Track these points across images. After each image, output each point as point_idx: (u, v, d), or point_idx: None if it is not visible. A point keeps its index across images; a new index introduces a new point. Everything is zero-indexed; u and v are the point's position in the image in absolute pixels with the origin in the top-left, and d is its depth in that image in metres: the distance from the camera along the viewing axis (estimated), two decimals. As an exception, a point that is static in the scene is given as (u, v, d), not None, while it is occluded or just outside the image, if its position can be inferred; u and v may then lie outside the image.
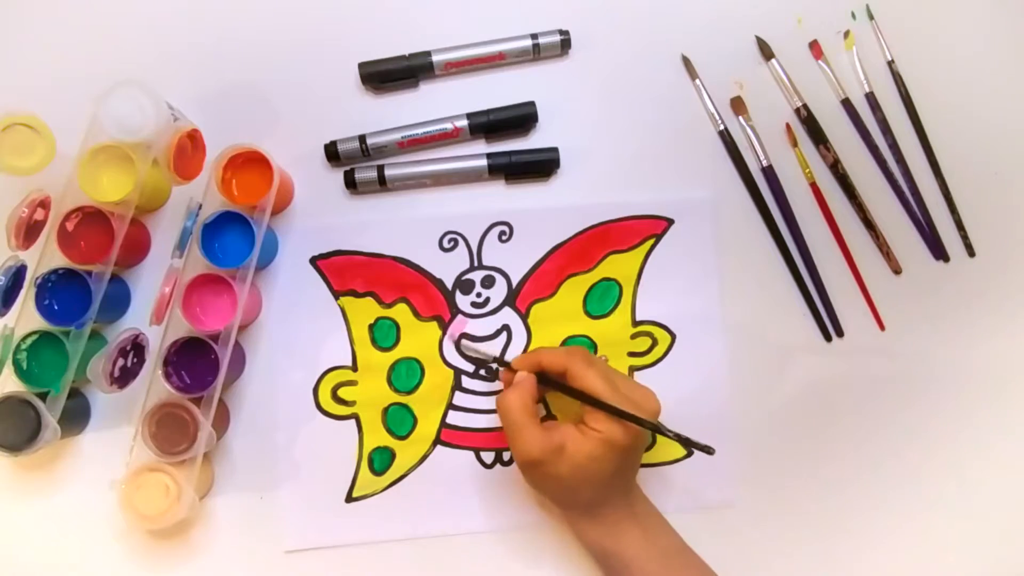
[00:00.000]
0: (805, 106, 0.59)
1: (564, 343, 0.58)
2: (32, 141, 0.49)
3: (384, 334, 0.57)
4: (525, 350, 0.58)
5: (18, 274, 0.51)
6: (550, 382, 0.51)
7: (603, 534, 0.51)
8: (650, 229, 0.58)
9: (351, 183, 0.57)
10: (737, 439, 0.58)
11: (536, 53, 0.58)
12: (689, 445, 0.48)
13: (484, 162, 0.57)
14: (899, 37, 0.59)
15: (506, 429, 0.49)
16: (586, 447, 0.48)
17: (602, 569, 0.53)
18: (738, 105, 0.59)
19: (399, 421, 0.57)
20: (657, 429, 0.48)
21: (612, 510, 0.51)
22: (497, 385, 0.57)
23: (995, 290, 0.59)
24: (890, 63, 0.60)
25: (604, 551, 0.51)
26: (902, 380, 0.59)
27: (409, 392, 0.57)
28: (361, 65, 0.57)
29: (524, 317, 0.58)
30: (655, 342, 0.58)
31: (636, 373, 0.58)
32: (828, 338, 0.59)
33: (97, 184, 0.51)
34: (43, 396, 0.50)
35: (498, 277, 0.58)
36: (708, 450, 0.47)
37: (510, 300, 0.58)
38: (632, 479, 0.53)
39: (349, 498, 0.57)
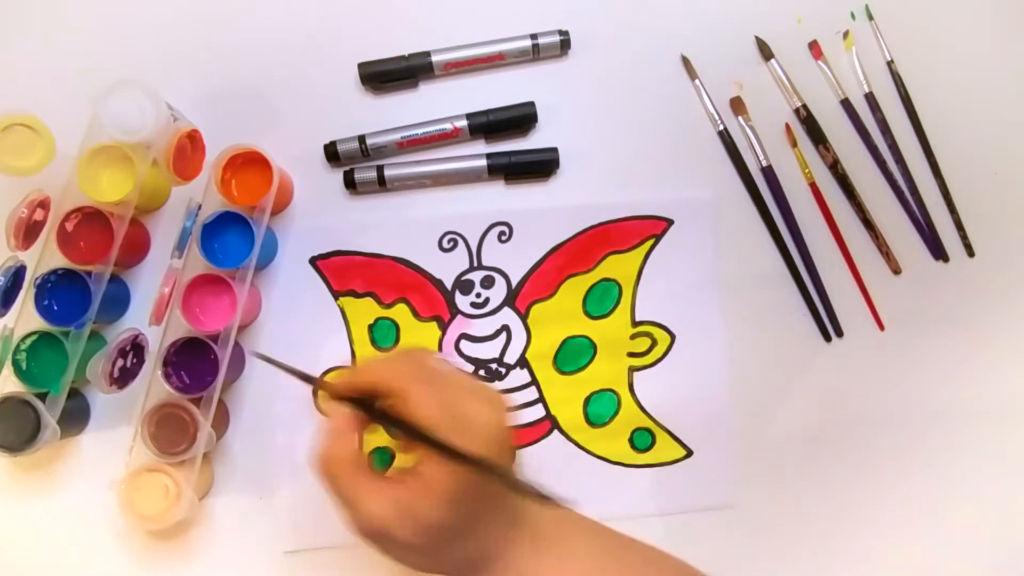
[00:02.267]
0: (805, 106, 0.59)
1: (563, 343, 0.58)
2: (32, 141, 0.49)
3: (384, 334, 0.57)
4: (524, 351, 0.58)
5: (17, 274, 0.51)
6: (373, 410, 0.39)
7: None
8: (650, 229, 0.58)
9: (351, 183, 0.57)
10: (737, 439, 0.58)
11: (536, 53, 0.58)
12: (542, 499, 0.35)
13: (484, 162, 0.57)
14: (898, 37, 0.60)
15: (332, 495, 0.38)
16: (433, 500, 0.36)
17: None
18: (738, 105, 0.59)
19: (399, 421, 0.57)
20: (493, 473, 0.36)
21: (501, 557, 0.38)
22: (497, 385, 0.57)
23: (995, 290, 0.59)
24: (889, 63, 0.60)
25: None
26: (902, 380, 0.59)
27: (409, 392, 0.57)
28: (361, 65, 0.57)
29: (524, 317, 0.58)
30: (655, 342, 0.58)
31: (636, 373, 0.58)
32: (828, 338, 0.59)
33: (97, 184, 0.51)
34: (43, 396, 0.50)
35: (498, 277, 0.58)
36: (562, 503, 0.35)
37: (510, 300, 0.58)
38: (511, 506, 0.39)
39: (349, 498, 0.56)
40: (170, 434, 0.51)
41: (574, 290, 0.58)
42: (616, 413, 0.57)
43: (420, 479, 0.36)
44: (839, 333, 0.59)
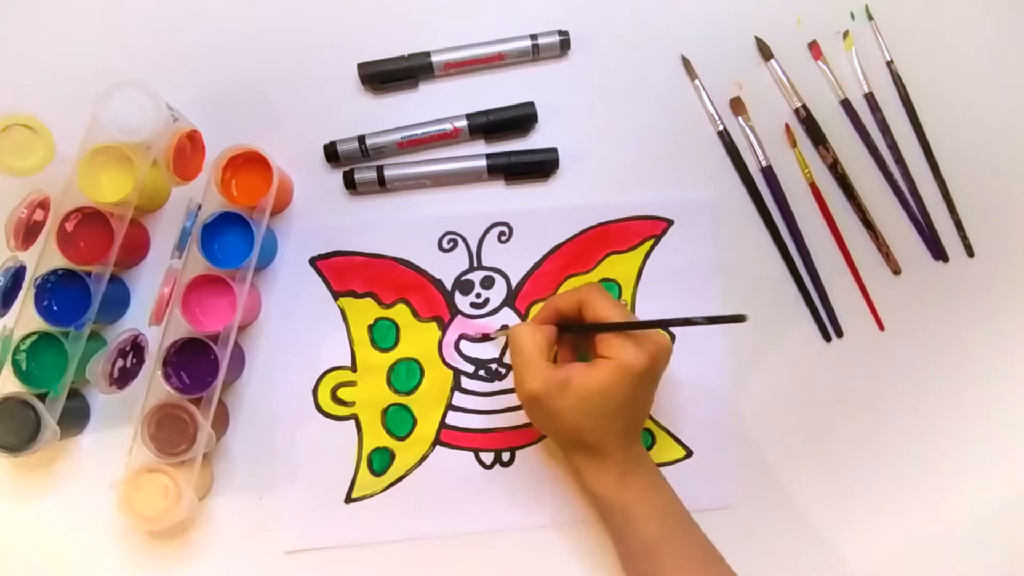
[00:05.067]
0: (804, 106, 0.59)
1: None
2: (31, 142, 0.49)
3: (383, 335, 0.57)
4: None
5: (17, 275, 0.51)
6: (570, 327, 0.51)
7: (608, 484, 0.49)
8: (650, 230, 0.58)
9: (350, 184, 0.57)
10: (737, 439, 0.58)
11: (535, 54, 0.58)
12: (716, 322, 0.46)
13: (483, 162, 0.57)
14: (898, 38, 0.60)
15: (513, 362, 0.49)
16: (595, 377, 0.47)
17: (601, 518, 0.52)
18: (737, 105, 0.59)
19: (398, 422, 0.57)
20: (671, 323, 0.47)
21: (619, 459, 0.49)
22: (497, 386, 0.57)
23: (994, 290, 0.59)
24: (889, 63, 0.60)
25: (606, 502, 0.50)
26: (902, 380, 0.59)
27: (408, 393, 0.57)
28: (361, 66, 0.57)
29: (524, 318, 0.58)
30: (655, 342, 0.58)
31: (636, 373, 0.58)
32: (828, 338, 0.59)
33: (96, 185, 0.51)
34: (42, 397, 0.50)
35: (497, 278, 0.58)
36: (739, 318, 0.44)
37: (510, 301, 0.58)
38: (640, 423, 0.51)
39: (348, 499, 0.57)
40: (170, 434, 0.51)
41: (574, 290, 0.58)
42: (616, 413, 0.58)
43: (588, 364, 0.48)
44: (839, 333, 0.59)
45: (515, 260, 0.58)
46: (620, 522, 0.50)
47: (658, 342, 0.48)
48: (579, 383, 0.47)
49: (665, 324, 0.47)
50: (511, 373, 0.57)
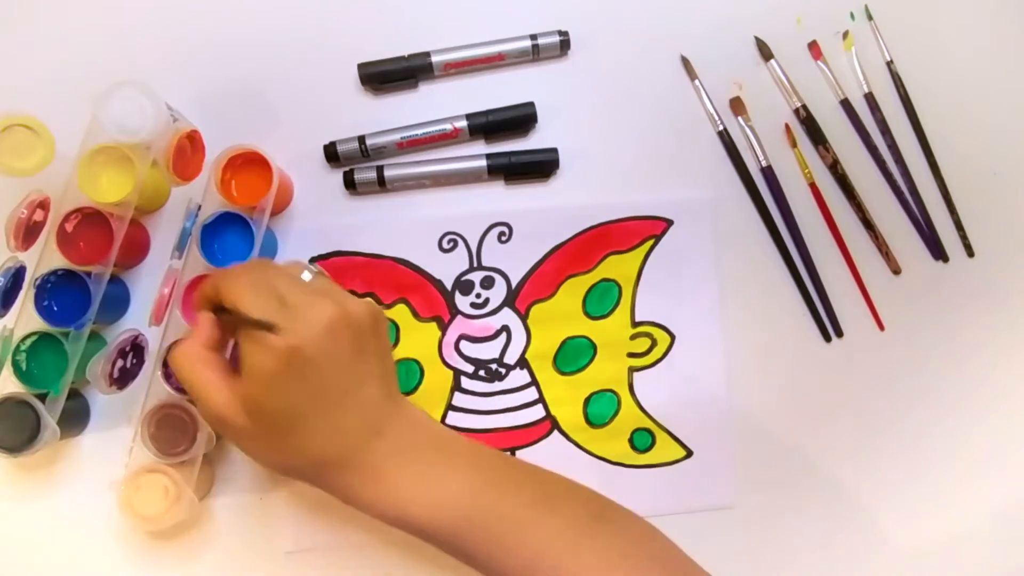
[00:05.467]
0: (804, 106, 0.59)
1: (563, 344, 0.58)
2: (31, 142, 0.49)
3: (384, 335, 0.57)
4: (524, 351, 0.58)
5: (17, 275, 0.51)
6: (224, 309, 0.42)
7: (379, 494, 0.39)
8: (649, 230, 0.58)
9: (350, 184, 0.57)
10: (737, 440, 0.58)
11: (535, 54, 0.58)
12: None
13: (483, 163, 0.57)
14: (898, 37, 0.60)
15: (184, 385, 0.41)
16: (266, 363, 0.38)
17: (442, 548, 0.41)
18: (737, 105, 0.59)
19: (399, 422, 0.57)
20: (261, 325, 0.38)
21: (359, 458, 0.39)
22: (497, 386, 0.57)
23: (995, 290, 0.59)
24: (889, 63, 0.60)
25: (401, 521, 0.40)
26: (902, 380, 0.59)
27: (408, 393, 0.57)
28: (360, 66, 0.57)
29: (524, 318, 0.58)
30: (654, 343, 0.58)
31: (636, 374, 0.58)
32: (828, 338, 0.59)
33: (96, 185, 0.51)
34: (42, 397, 0.50)
35: (497, 278, 0.58)
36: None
37: (509, 301, 0.58)
38: (373, 416, 0.40)
39: (349, 499, 0.56)
40: (170, 435, 0.51)
41: (574, 290, 0.58)
42: (616, 413, 0.57)
43: (244, 365, 0.38)
44: (839, 333, 0.59)
45: (515, 260, 0.58)
46: (447, 539, 0.40)
47: (302, 325, 0.38)
48: (255, 379, 0.38)
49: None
50: (511, 373, 0.57)
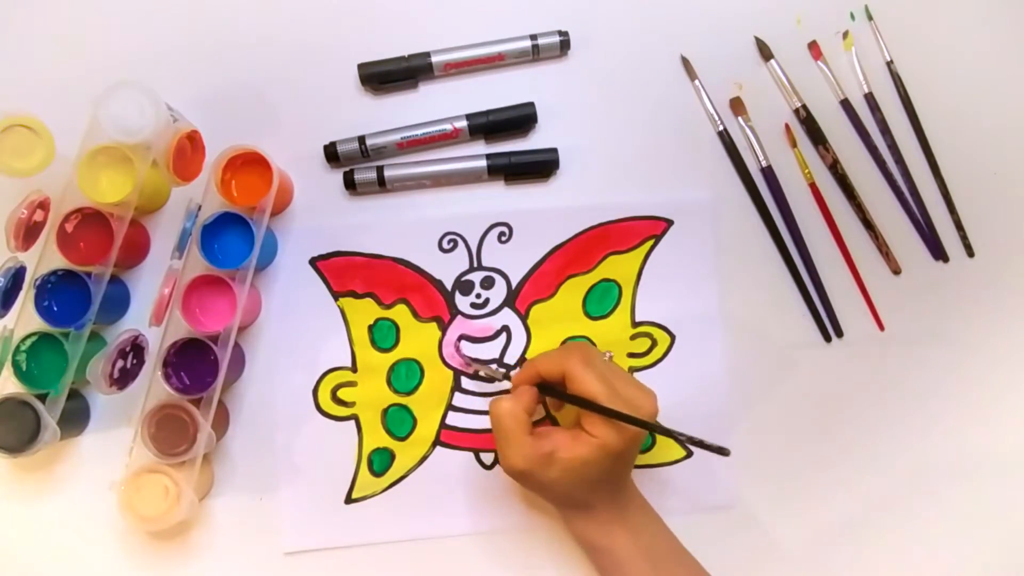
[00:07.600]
0: (804, 107, 0.59)
1: (564, 343, 0.58)
2: (31, 142, 0.49)
3: (383, 335, 0.57)
4: (524, 351, 0.58)
5: (17, 275, 0.51)
6: (551, 389, 0.50)
7: (594, 532, 0.51)
8: (649, 230, 0.58)
9: (350, 184, 0.57)
10: (737, 440, 0.58)
11: (535, 54, 0.58)
12: (698, 446, 0.46)
13: (483, 163, 0.57)
14: (898, 38, 0.60)
15: (495, 438, 0.49)
16: (579, 452, 0.48)
17: (593, 565, 0.53)
18: (737, 106, 0.59)
19: (399, 422, 0.57)
20: (656, 429, 0.48)
21: (604, 509, 0.51)
22: (497, 386, 0.57)
23: (994, 290, 0.59)
24: (889, 64, 0.60)
25: (595, 548, 0.51)
26: (902, 380, 0.59)
27: (409, 393, 0.57)
28: (361, 66, 0.57)
29: (524, 318, 0.58)
30: (654, 343, 0.58)
31: (636, 374, 0.58)
32: (828, 338, 0.59)
33: (96, 185, 0.51)
34: (42, 397, 0.50)
35: (497, 278, 0.58)
36: (723, 451, 0.45)
37: (510, 301, 0.58)
38: (626, 479, 0.52)
39: (349, 499, 0.57)
40: (170, 435, 0.51)
41: (574, 291, 0.58)
42: (616, 413, 0.58)
43: (572, 433, 0.48)
44: (839, 333, 0.59)
45: (515, 260, 0.58)
46: (606, 564, 0.51)
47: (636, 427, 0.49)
48: (563, 456, 0.48)
49: (650, 428, 0.47)
50: (512, 373, 0.57)
